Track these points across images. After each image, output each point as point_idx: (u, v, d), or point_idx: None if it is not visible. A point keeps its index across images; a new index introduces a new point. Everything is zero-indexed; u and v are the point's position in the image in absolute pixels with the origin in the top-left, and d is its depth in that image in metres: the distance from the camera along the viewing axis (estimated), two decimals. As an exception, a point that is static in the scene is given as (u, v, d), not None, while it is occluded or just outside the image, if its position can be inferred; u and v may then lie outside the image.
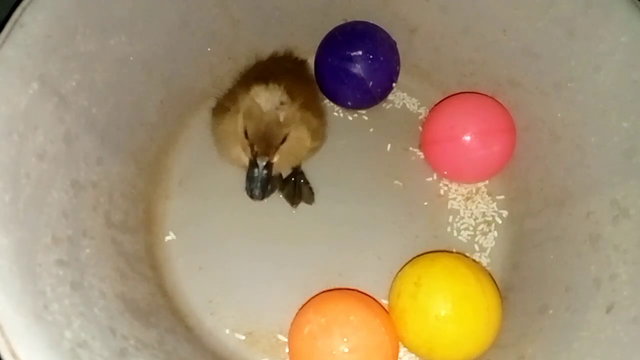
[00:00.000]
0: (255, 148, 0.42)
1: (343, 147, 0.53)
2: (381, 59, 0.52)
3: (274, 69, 0.48)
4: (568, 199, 0.43)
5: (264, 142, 0.41)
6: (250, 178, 0.44)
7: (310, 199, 0.50)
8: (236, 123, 0.43)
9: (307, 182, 0.50)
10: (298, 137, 0.44)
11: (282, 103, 0.42)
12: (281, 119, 0.41)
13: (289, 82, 0.43)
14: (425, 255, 0.44)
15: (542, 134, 0.46)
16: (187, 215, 0.49)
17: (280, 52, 0.53)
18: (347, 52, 0.51)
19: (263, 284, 0.46)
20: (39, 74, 0.35)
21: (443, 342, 0.39)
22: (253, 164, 0.43)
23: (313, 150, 0.49)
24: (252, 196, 0.44)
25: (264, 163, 0.42)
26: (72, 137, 0.38)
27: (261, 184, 0.44)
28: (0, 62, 0.33)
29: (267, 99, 0.41)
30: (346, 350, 0.37)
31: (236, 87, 0.48)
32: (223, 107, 0.46)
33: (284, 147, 0.43)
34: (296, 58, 0.54)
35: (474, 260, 0.47)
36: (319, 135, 0.48)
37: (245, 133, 0.42)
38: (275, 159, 0.43)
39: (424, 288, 0.40)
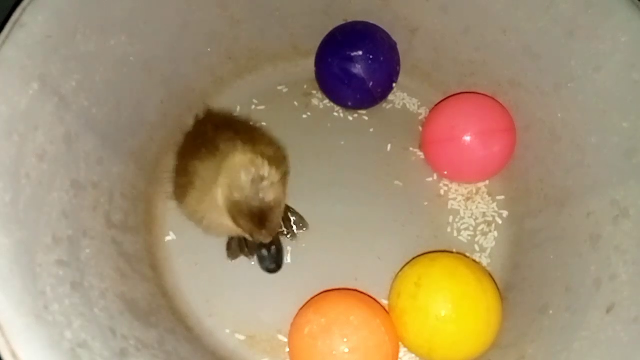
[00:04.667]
0: (255, 237, 0.38)
1: (343, 147, 0.53)
2: (381, 59, 0.52)
3: (213, 135, 0.42)
4: (568, 199, 0.43)
5: (263, 229, 0.38)
6: (262, 258, 0.45)
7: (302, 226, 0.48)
8: (206, 200, 0.39)
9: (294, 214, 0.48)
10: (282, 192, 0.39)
11: (262, 178, 0.36)
12: (271, 201, 0.37)
13: (243, 138, 0.39)
14: (425, 255, 0.44)
15: (542, 134, 0.46)
16: (187, 215, 0.49)
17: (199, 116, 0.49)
18: (347, 52, 0.51)
19: (263, 284, 0.46)
20: (39, 74, 0.35)
21: (443, 342, 0.39)
22: (259, 246, 0.43)
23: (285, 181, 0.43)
24: (270, 271, 0.45)
25: (269, 240, 0.39)
26: (72, 137, 0.38)
27: (276, 259, 0.45)
28: (0, 62, 0.33)
29: (246, 182, 0.36)
30: (346, 350, 0.37)
31: (187, 160, 0.42)
32: (185, 182, 0.42)
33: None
34: (215, 113, 0.49)
35: (474, 260, 0.47)
36: (281, 162, 0.43)
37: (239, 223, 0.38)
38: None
39: (424, 288, 0.40)
